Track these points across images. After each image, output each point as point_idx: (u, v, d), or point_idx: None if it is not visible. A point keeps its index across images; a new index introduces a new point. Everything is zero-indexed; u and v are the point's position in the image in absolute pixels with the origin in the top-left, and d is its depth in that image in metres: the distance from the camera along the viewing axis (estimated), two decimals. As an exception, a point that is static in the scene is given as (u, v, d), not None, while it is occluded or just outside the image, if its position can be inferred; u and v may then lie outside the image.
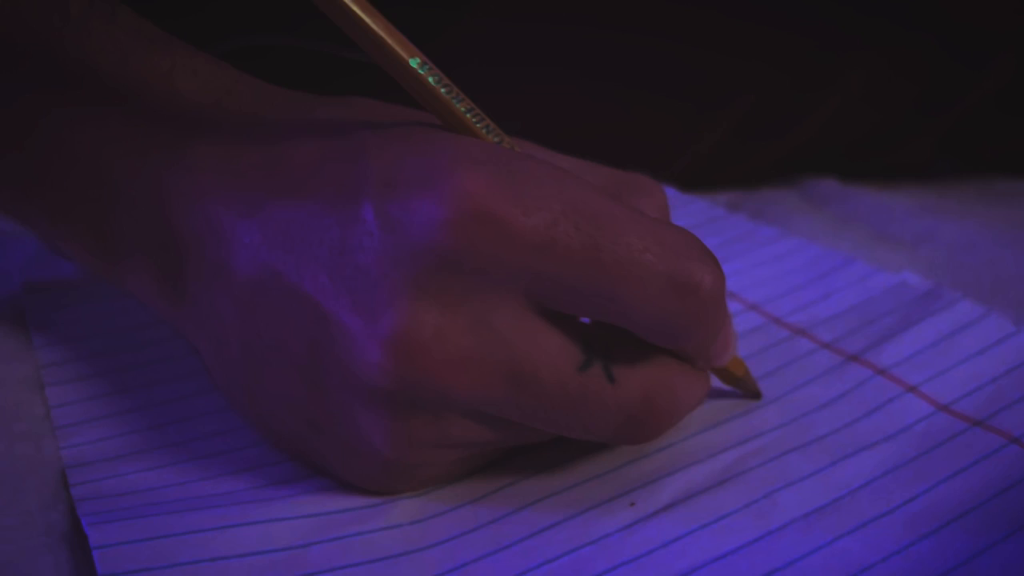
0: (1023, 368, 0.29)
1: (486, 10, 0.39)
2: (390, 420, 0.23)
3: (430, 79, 0.23)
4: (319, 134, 0.25)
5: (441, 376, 0.22)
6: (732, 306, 0.33)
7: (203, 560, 0.23)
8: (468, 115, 0.24)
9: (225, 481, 0.26)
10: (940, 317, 0.31)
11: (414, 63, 0.23)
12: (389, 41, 0.23)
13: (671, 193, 0.43)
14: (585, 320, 0.24)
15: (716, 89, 0.43)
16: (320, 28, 0.29)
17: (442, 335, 0.22)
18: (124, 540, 0.23)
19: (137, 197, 0.27)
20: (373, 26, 0.23)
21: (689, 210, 0.41)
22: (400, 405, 0.23)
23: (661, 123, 0.43)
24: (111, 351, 0.32)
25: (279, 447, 0.27)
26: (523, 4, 0.39)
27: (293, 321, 0.24)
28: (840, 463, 0.26)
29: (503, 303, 0.22)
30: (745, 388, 0.29)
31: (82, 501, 0.25)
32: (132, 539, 0.23)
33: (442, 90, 0.24)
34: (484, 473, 0.26)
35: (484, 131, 0.24)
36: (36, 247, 0.37)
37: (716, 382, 0.29)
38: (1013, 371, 0.28)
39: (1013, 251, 0.37)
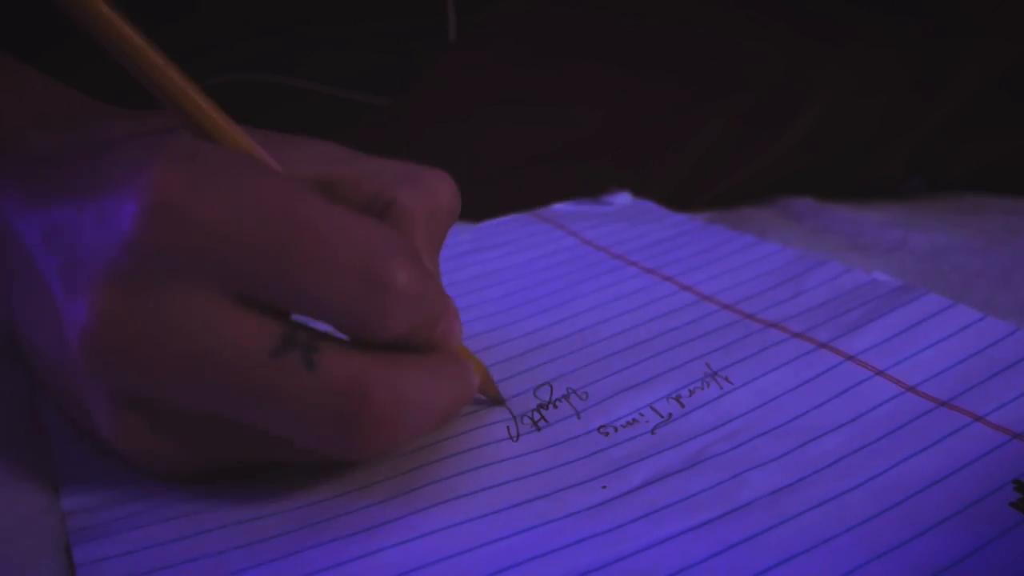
0: (988, 351, 0.29)
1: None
2: (109, 407, 0.24)
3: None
4: (96, 148, 0.26)
5: (120, 359, 0.23)
6: (707, 307, 0.34)
7: None
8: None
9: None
10: (908, 308, 0.32)
11: None
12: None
13: (650, 207, 0.44)
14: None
15: (716, 80, 0.45)
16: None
17: (119, 319, 0.23)
18: (105, 556, 0.24)
19: None
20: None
21: (667, 223, 0.42)
22: (110, 390, 0.24)
23: (671, 104, 0.45)
24: None
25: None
26: None
27: (49, 320, 0.25)
28: (808, 444, 0.26)
29: (193, 290, 0.23)
30: (486, 392, 0.29)
31: (72, 514, 0.25)
32: (112, 554, 0.24)
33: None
34: (446, 459, 0.26)
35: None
36: None
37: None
38: (978, 354, 0.29)
39: (982, 257, 0.37)
